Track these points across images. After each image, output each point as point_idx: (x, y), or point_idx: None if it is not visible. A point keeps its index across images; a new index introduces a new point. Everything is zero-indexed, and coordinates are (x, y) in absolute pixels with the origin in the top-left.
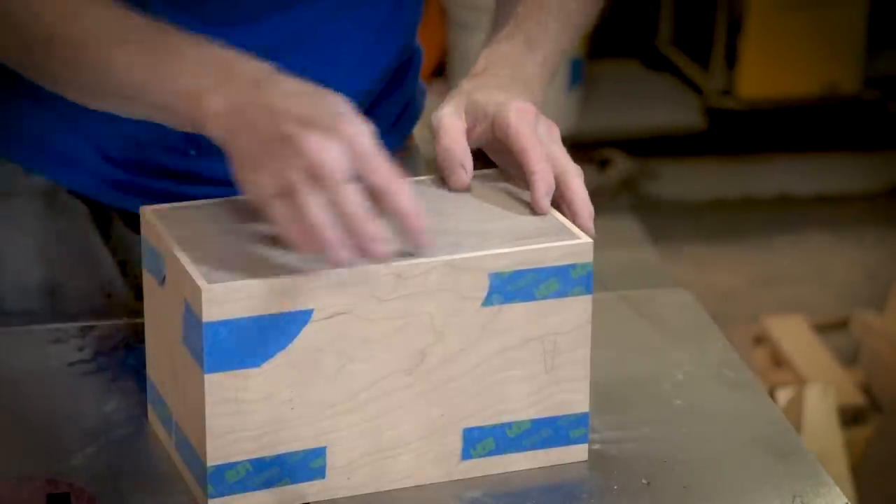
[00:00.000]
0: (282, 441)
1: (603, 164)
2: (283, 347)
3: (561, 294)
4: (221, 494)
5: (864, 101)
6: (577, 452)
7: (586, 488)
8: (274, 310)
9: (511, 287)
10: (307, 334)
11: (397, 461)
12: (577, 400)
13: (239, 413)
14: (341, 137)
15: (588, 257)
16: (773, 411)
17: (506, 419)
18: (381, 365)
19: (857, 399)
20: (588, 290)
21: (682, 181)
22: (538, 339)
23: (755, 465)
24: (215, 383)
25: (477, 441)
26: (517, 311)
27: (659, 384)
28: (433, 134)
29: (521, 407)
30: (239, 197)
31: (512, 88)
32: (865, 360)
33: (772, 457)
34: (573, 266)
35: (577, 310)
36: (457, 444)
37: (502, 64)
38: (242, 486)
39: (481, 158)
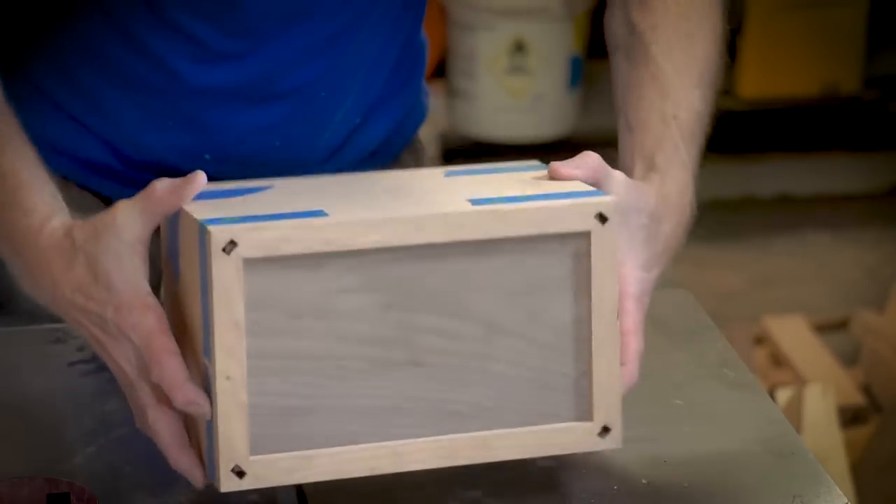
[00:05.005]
0: None
1: None
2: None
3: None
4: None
5: (864, 101)
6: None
7: (586, 488)
8: None
9: None
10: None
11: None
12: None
13: None
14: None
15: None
16: (773, 411)
17: None
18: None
19: (857, 399)
20: None
21: None
22: None
23: (755, 465)
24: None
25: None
26: None
27: (659, 384)
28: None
29: None
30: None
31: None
32: (865, 360)
33: (772, 457)
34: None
35: None
36: None
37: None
38: None
39: (483, 154)
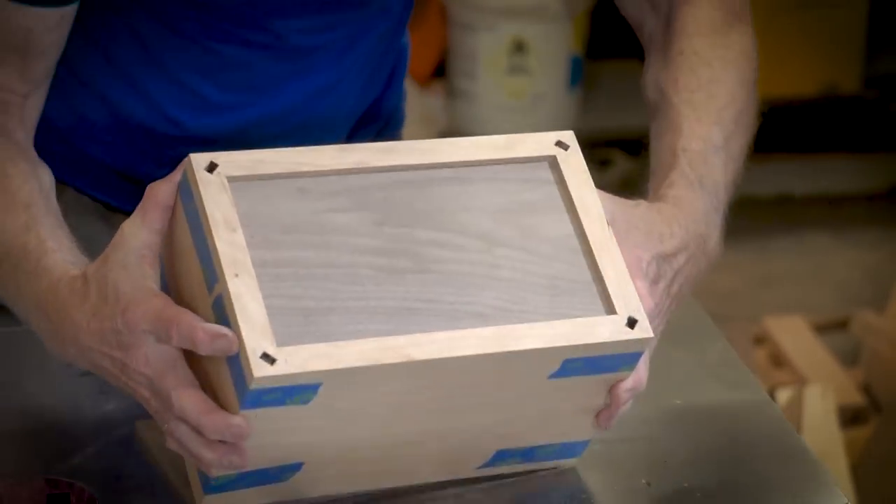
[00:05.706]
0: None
1: (603, 164)
2: None
3: None
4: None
5: (864, 101)
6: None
7: (586, 488)
8: None
9: None
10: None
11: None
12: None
13: None
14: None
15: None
16: (773, 411)
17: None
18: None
19: (857, 399)
20: None
21: None
22: None
23: (755, 465)
24: None
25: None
26: None
27: (659, 384)
28: None
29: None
30: None
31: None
32: (865, 360)
33: (772, 457)
34: None
35: None
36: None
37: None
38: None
39: None
